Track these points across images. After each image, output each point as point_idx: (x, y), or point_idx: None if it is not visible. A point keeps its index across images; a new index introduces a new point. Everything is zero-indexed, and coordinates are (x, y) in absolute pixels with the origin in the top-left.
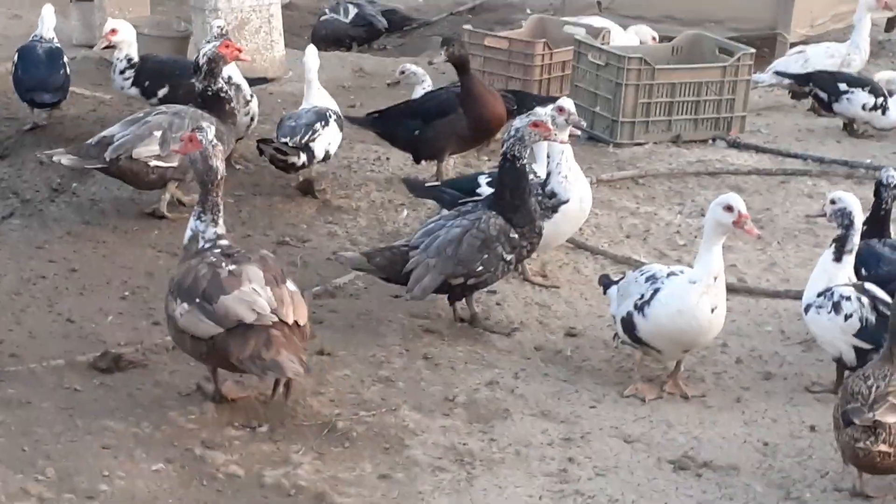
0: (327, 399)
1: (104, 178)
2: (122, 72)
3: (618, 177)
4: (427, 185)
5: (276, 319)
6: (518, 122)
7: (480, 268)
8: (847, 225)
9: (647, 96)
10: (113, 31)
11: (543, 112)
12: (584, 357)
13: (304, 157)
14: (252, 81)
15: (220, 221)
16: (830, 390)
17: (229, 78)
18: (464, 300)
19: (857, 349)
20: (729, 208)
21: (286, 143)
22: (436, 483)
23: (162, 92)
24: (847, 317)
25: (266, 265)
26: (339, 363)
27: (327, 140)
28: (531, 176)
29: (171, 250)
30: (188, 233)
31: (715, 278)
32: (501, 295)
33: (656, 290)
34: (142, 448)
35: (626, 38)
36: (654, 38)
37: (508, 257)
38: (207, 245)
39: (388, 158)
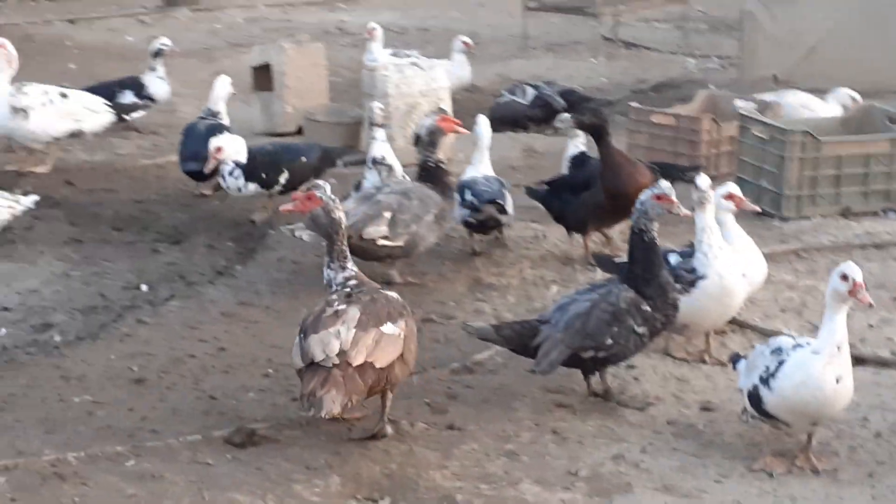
0: (451, 472)
1: (265, 261)
2: (230, 173)
3: (779, 250)
4: (616, 261)
5: (335, 363)
6: (643, 195)
7: (610, 341)
8: None
9: (813, 169)
10: (218, 149)
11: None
12: (717, 431)
13: (505, 218)
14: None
15: (349, 265)
16: None
17: (383, 158)
18: (598, 374)
19: None
20: (844, 277)
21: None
22: None
23: (283, 178)
24: None
25: (369, 308)
26: (468, 437)
27: (511, 204)
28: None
29: None
30: (325, 279)
31: (838, 347)
32: (640, 369)
33: (781, 363)
34: None
35: (828, 107)
36: (853, 100)
37: (640, 330)
38: (338, 288)
39: (544, 236)
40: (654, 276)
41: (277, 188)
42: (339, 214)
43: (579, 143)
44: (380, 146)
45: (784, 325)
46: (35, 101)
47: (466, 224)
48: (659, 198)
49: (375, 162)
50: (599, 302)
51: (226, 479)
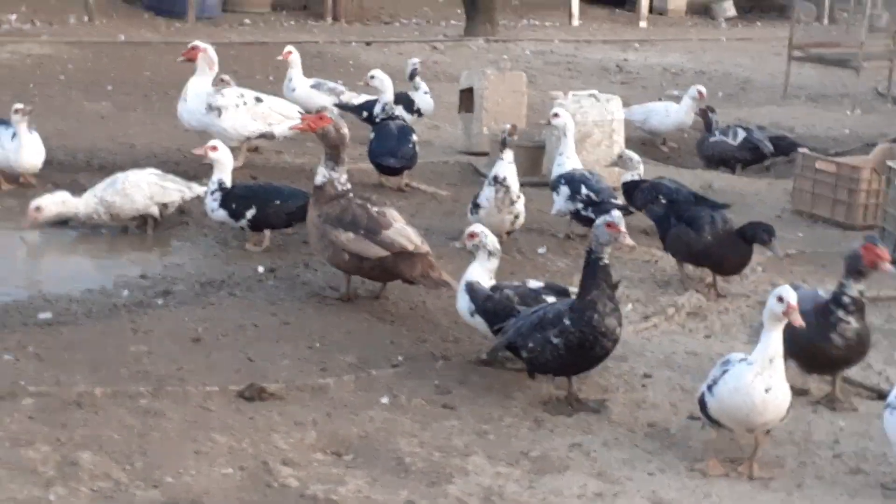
0: (418, 441)
1: None
2: (211, 192)
3: (884, 296)
4: None
5: (428, 250)
6: (599, 220)
7: (531, 344)
8: None
9: None
10: (213, 147)
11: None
12: (686, 436)
13: None
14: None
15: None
16: None
17: (504, 178)
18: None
19: None
20: (780, 299)
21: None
22: None
23: (250, 213)
24: None
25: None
26: (454, 416)
27: None
28: None
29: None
30: (320, 178)
31: (771, 360)
32: (654, 378)
33: (725, 372)
34: (224, 458)
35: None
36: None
37: (555, 341)
38: (342, 189)
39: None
40: (586, 293)
41: (243, 222)
42: (345, 131)
43: (636, 174)
44: (504, 167)
45: None
46: (230, 102)
47: (578, 217)
48: (609, 225)
49: (496, 180)
50: (541, 310)
51: (217, 423)
